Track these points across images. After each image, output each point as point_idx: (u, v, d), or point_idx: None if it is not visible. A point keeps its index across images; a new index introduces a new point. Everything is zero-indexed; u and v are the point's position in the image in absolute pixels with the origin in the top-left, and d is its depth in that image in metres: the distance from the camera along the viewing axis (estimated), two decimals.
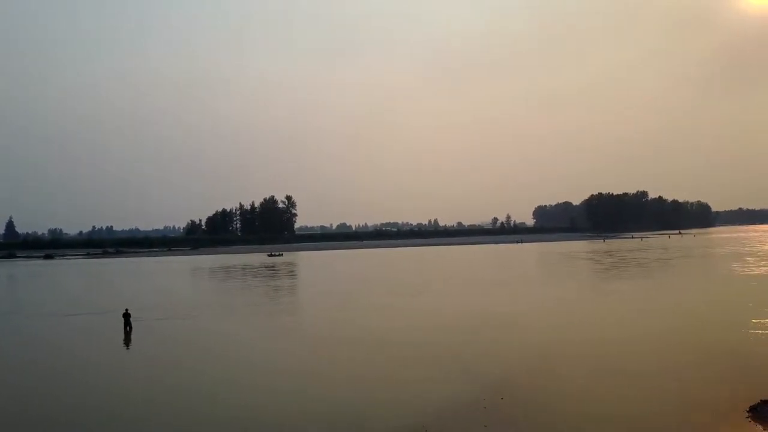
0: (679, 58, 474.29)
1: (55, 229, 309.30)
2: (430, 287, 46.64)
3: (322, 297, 43.00)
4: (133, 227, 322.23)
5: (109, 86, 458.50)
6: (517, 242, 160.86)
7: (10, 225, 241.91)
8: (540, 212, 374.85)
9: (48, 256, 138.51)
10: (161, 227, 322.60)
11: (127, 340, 26.85)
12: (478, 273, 62.44)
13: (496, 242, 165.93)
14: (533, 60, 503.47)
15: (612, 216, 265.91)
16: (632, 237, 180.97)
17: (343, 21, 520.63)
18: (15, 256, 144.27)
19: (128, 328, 28.18)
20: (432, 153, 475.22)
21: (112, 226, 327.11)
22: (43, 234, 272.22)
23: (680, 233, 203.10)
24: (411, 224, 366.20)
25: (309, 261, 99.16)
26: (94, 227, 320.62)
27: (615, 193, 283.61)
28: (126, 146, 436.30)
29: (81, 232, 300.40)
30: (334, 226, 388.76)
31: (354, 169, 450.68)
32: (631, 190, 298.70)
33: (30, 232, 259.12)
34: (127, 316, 28.46)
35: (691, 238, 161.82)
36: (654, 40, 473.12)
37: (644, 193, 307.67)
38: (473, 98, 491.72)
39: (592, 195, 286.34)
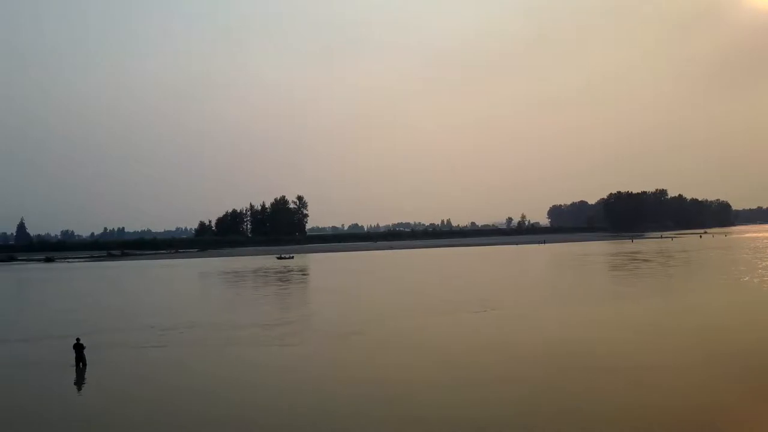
0: (688, 52, 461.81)
1: (67, 230, 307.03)
2: (494, 301, 36.40)
3: (357, 316, 32.68)
4: (145, 229, 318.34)
5: (119, 88, 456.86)
6: (541, 243, 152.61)
7: (21, 227, 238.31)
8: (554, 212, 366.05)
9: (48, 259, 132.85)
10: (173, 229, 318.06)
11: (80, 380, 19.93)
12: (543, 278, 54.58)
13: (517, 243, 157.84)
14: (544, 57, 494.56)
15: (631, 215, 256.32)
16: (661, 237, 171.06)
17: (344, 21, 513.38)
18: (15, 259, 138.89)
19: (81, 364, 21.10)
20: (444, 153, 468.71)
21: (123, 228, 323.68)
22: (55, 236, 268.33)
23: (707, 233, 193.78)
24: (423, 224, 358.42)
25: (324, 264, 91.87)
26: (105, 229, 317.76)
27: (634, 192, 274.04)
28: (142, 148, 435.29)
29: (92, 234, 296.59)
30: (346, 227, 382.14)
31: (366, 169, 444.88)
32: (647, 188, 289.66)
33: (42, 234, 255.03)
34: (79, 347, 21.29)
35: (723, 238, 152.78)
36: (664, 33, 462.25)
37: (663, 192, 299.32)
38: (483, 97, 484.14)
39: (611, 194, 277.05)
